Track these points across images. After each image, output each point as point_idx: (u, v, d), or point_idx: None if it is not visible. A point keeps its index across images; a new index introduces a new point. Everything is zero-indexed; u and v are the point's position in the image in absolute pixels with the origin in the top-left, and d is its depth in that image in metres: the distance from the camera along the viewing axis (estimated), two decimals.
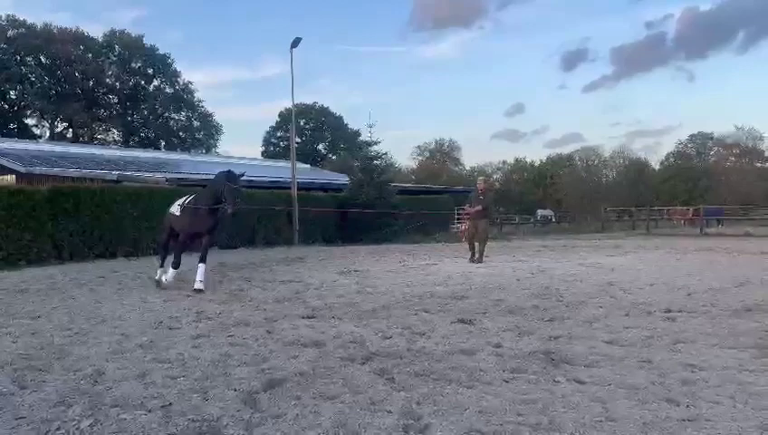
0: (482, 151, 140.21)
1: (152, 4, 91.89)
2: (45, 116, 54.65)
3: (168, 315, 6.89)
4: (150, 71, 58.35)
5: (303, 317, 6.74)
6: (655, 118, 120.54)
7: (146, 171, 22.49)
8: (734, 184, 56.64)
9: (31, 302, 7.98)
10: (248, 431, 3.35)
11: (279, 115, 69.71)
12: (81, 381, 4.27)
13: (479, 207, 13.59)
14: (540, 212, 55.25)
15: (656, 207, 42.42)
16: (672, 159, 69.27)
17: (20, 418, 3.55)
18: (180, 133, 61.26)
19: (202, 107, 61.38)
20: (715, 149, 69.88)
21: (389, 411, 3.63)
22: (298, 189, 21.51)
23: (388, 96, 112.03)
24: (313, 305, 7.55)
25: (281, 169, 29.72)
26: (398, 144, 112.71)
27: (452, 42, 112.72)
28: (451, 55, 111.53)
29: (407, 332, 5.90)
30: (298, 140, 60.13)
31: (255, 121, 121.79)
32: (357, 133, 65.85)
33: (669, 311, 6.94)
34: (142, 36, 57.33)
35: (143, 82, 58.50)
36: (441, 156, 75.68)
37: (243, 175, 8.99)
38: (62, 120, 55.67)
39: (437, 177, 60.72)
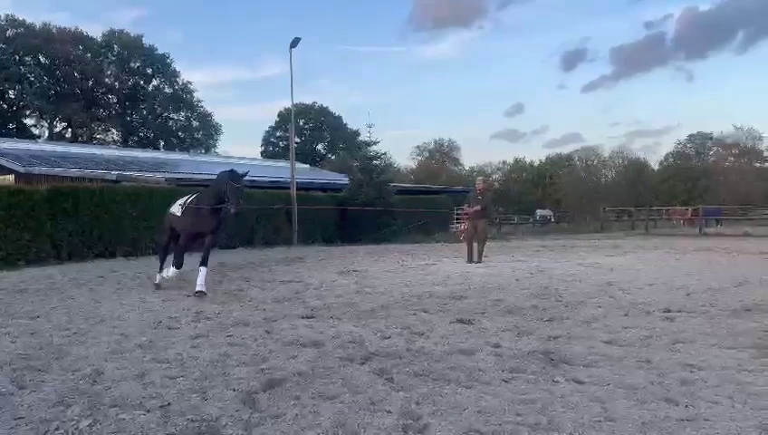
0: (481, 151, 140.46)
1: (152, 4, 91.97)
2: (44, 116, 54.61)
3: (167, 315, 6.89)
4: (149, 71, 58.31)
5: (302, 317, 6.74)
6: (654, 118, 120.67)
7: (145, 171, 22.47)
8: (733, 184, 56.66)
9: (30, 302, 7.98)
10: (247, 431, 3.35)
11: (278, 115, 69.77)
12: (80, 382, 4.27)
13: (478, 208, 13.59)
14: (539, 212, 55.27)
15: (655, 208, 42.45)
16: (671, 160, 69.31)
17: (19, 418, 3.55)
18: (179, 133, 61.23)
19: (201, 107, 61.45)
20: (714, 149, 69.92)
21: (389, 411, 3.63)
22: (297, 189, 21.52)
23: (387, 96, 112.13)
24: (312, 305, 7.56)
25: (280, 169, 29.72)
26: (398, 144, 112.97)
27: (451, 42, 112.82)
28: (451, 55, 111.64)
29: (406, 332, 5.90)
30: (297, 139, 60.15)
31: (255, 121, 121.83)
32: (356, 133, 65.91)
33: (668, 311, 6.94)
34: (141, 36, 57.39)
35: (142, 82, 58.47)
36: (440, 156, 75.67)
37: (246, 174, 8.82)
38: (61, 120, 55.65)
39: (437, 177, 60.71)
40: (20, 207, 13.40)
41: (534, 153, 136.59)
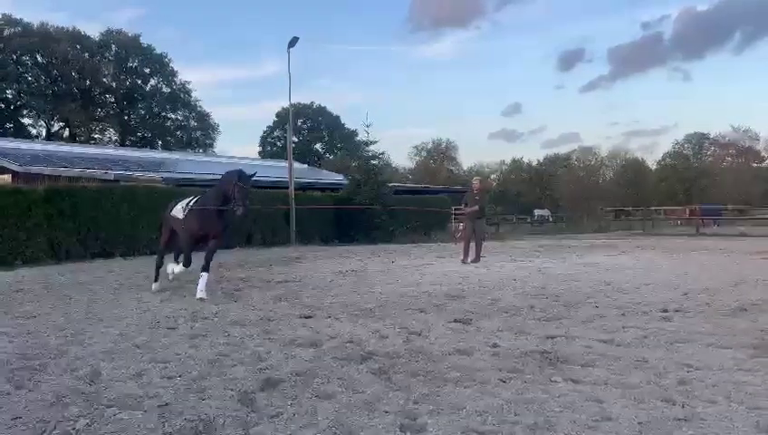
0: (479, 151, 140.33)
1: (150, 4, 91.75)
2: (42, 115, 54.50)
3: (165, 315, 6.88)
4: (147, 70, 58.22)
5: (300, 317, 6.74)
6: (651, 118, 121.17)
7: (143, 171, 22.44)
8: (731, 184, 56.77)
9: (27, 302, 7.97)
10: (245, 431, 3.35)
11: (276, 115, 69.74)
12: (78, 381, 4.26)
13: (476, 208, 13.59)
14: (537, 212, 55.36)
15: (652, 207, 42.53)
16: (669, 160, 69.45)
17: (16, 418, 3.54)
18: (177, 133, 61.18)
19: (199, 106, 61.36)
20: (712, 149, 70.11)
21: (386, 411, 3.64)
22: (295, 189, 21.51)
23: (385, 96, 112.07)
24: (310, 305, 7.56)
25: (278, 169, 29.69)
26: (396, 144, 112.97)
27: (449, 42, 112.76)
28: (448, 55, 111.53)
29: (403, 332, 5.91)
30: (295, 139, 60.03)
31: (252, 121, 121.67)
32: (354, 133, 65.86)
33: (665, 311, 6.95)
34: (139, 36, 57.30)
35: (140, 82, 58.38)
36: (438, 156, 75.68)
37: (254, 175, 8.58)
38: (59, 120, 55.57)
39: (435, 177, 60.72)
40: (17, 206, 13.39)
41: (532, 153, 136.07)
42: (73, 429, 3.38)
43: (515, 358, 4.87)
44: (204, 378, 4.33)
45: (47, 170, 19.56)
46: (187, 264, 8.49)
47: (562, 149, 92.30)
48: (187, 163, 31.02)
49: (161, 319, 6.65)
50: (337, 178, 32.32)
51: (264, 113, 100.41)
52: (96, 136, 57.53)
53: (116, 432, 3.34)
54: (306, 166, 41.66)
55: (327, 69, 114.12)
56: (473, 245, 13.52)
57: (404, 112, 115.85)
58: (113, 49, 56.39)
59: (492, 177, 74.74)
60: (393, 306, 7.44)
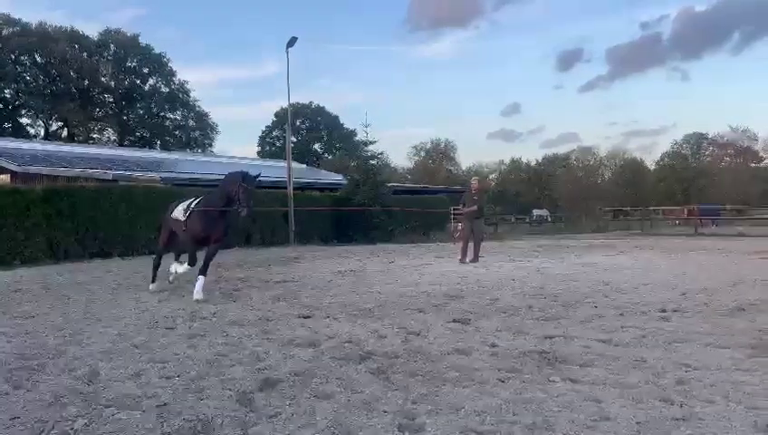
0: (478, 151, 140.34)
1: (148, 4, 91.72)
2: (40, 115, 54.45)
3: (164, 315, 6.88)
4: (146, 70, 58.15)
5: (299, 317, 6.74)
6: (650, 118, 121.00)
7: (141, 171, 22.42)
8: (729, 184, 56.84)
9: (25, 302, 7.97)
10: (243, 431, 3.35)
11: (275, 115, 69.73)
12: (76, 381, 4.26)
13: (474, 208, 13.59)
14: (535, 212, 55.39)
15: (651, 207, 42.57)
16: (667, 160, 69.51)
17: (15, 418, 3.54)
18: (176, 133, 61.12)
19: (198, 106, 61.31)
20: (710, 149, 70.19)
21: (385, 411, 3.64)
22: (294, 189, 21.50)
23: (384, 96, 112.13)
24: (309, 305, 7.56)
25: (276, 169, 29.68)
26: (395, 144, 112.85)
27: (448, 42, 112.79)
28: (447, 55, 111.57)
29: (402, 331, 5.91)
30: (294, 139, 60.09)
31: (251, 121, 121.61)
32: (353, 133, 65.80)
33: (664, 310, 6.96)
34: (138, 35, 57.22)
35: (138, 82, 58.31)
36: (437, 156, 75.71)
37: (258, 176, 8.52)
38: (57, 120, 55.51)
39: (434, 177, 60.73)
40: (15, 206, 13.38)
41: (531, 153, 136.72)
42: (72, 429, 3.37)
43: (514, 358, 4.87)
44: (202, 378, 4.33)
45: (46, 170, 19.55)
46: (192, 263, 8.38)
47: (561, 150, 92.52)
48: (185, 163, 31.01)
49: (160, 319, 6.64)
50: (336, 178, 32.33)
51: (263, 113, 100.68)
52: (94, 136, 57.49)
53: (114, 432, 3.34)
54: (305, 166, 41.66)
55: (326, 69, 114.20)
56: (471, 245, 13.52)
57: (403, 112, 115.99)
58: (112, 49, 56.32)
59: (491, 177, 74.81)
60: (392, 306, 7.44)
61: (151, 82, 59.17)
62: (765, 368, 4.48)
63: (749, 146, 67.59)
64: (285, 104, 25.82)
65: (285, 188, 21.37)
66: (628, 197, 56.33)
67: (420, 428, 3.38)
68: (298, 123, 70.24)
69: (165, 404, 3.75)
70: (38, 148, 27.12)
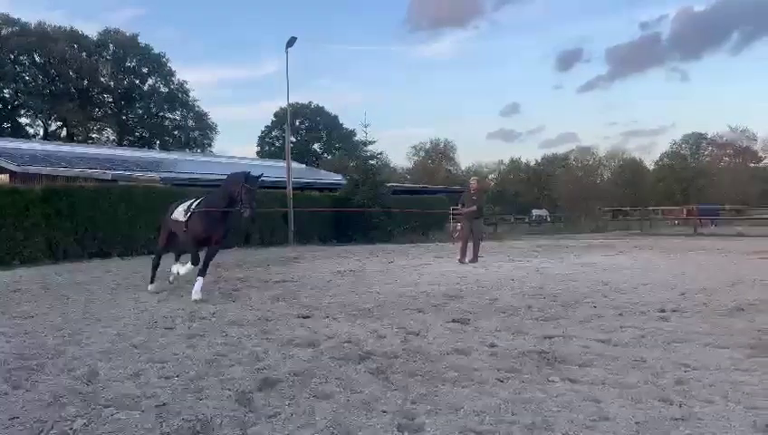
0: (477, 151, 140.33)
1: (147, 4, 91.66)
2: (39, 115, 54.40)
3: (163, 315, 6.88)
4: (145, 70, 58.13)
5: (298, 317, 6.74)
6: (649, 118, 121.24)
7: (140, 171, 22.42)
8: (728, 184, 56.89)
9: (25, 302, 7.96)
10: (242, 431, 3.35)
11: (274, 115, 69.66)
12: (75, 381, 4.26)
13: (473, 208, 13.59)
14: (534, 212, 55.39)
15: (650, 207, 42.59)
16: (666, 160, 69.55)
17: (14, 418, 3.53)
18: (175, 133, 61.10)
19: (197, 106, 61.28)
20: (709, 149, 70.23)
21: (384, 411, 3.64)
22: (293, 189, 21.49)
23: (383, 96, 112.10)
24: (308, 305, 7.56)
25: (276, 169, 29.67)
26: (394, 144, 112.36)
27: (448, 42, 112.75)
28: (447, 55, 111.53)
29: (401, 331, 5.91)
30: (293, 139, 60.07)
31: (251, 121, 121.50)
32: (352, 133, 65.79)
33: (663, 310, 6.96)
34: (137, 35, 57.20)
35: (138, 82, 58.27)
36: (437, 156, 75.71)
37: (261, 176, 8.46)
38: (56, 120, 55.48)
39: (433, 177, 60.74)
40: (14, 206, 13.37)
41: (530, 153, 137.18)
42: (71, 429, 3.37)
43: (513, 358, 4.87)
44: (201, 378, 4.33)
45: (45, 170, 19.55)
46: (194, 262, 8.31)
47: (560, 149, 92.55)
48: (185, 163, 31.01)
49: (159, 319, 6.64)
50: (335, 178, 32.32)
51: (263, 113, 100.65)
52: (94, 136, 57.46)
53: (113, 432, 3.34)
54: (304, 166, 41.65)
55: (326, 69, 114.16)
56: (470, 245, 13.52)
57: (403, 112, 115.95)
58: (111, 48, 56.28)
59: (490, 177, 74.81)
60: (391, 306, 7.44)
61: (150, 82, 59.16)
62: (764, 368, 4.49)
63: (748, 146, 67.69)
64: (285, 104, 25.84)
65: (285, 188, 21.36)
66: (628, 197, 56.36)
67: (419, 428, 3.38)
68: (297, 123, 70.21)
69: (164, 404, 3.75)
70: (37, 148, 27.13)
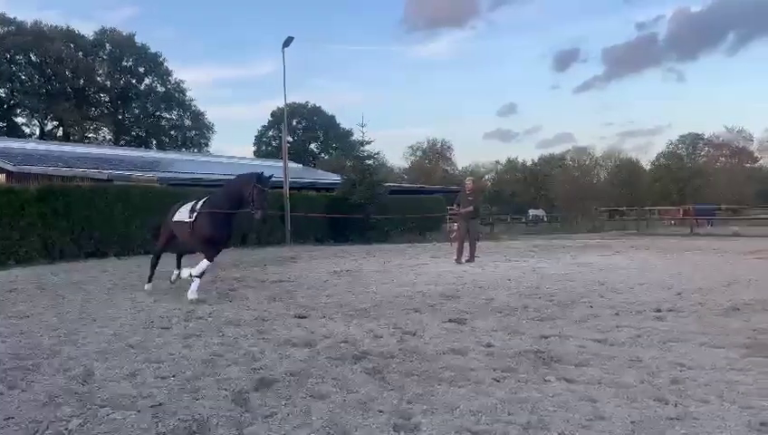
0: (474, 151, 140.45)
1: (144, 3, 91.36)
2: (35, 115, 54.27)
3: (159, 315, 6.87)
4: (142, 69, 58.03)
5: (295, 317, 6.74)
6: (646, 118, 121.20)
7: (137, 170, 22.38)
8: (724, 184, 57.06)
9: (20, 302, 7.94)
10: (239, 431, 3.35)
11: (271, 114, 69.53)
12: (71, 381, 4.25)
13: (470, 208, 13.59)
14: (531, 212, 55.44)
15: (647, 207, 42.67)
16: (663, 160, 69.72)
17: (9, 418, 3.53)
18: (171, 132, 61.02)
19: (194, 106, 61.19)
20: (706, 149, 70.42)
21: (380, 411, 3.64)
22: (290, 189, 21.47)
23: (380, 95, 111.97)
24: (305, 305, 7.55)
25: (273, 169, 29.58)
26: (391, 144, 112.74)
27: (445, 42, 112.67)
28: (444, 55, 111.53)
29: (398, 331, 5.91)
30: (290, 139, 60.02)
31: (247, 120, 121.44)
32: (349, 133, 65.78)
33: (659, 310, 6.98)
34: (133, 34, 57.08)
35: (134, 81, 58.17)
36: (434, 156, 75.75)
37: (272, 177, 8.36)
38: (53, 119, 55.33)
39: (430, 177, 60.77)
40: (10, 206, 13.33)
41: (527, 153, 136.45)
42: (66, 429, 3.37)
43: (509, 358, 4.88)
44: (198, 378, 4.33)
45: (41, 170, 19.49)
46: (210, 259, 8.16)
47: (557, 150, 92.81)
48: (182, 163, 30.96)
49: (155, 319, 6.63)
50: (332, 178, 32.30)
51: (260, 113, 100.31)
52: (90, 135, 57.29)
53: (109, 432, 3.33)
54: (301, 166, 41.60)
55: (323, 69, 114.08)
56: (467, 245, 13.53)
57: (401, 112, 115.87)
58: (107, 48, 56.13)
59: (487, 177, 74.89)
60: (388, 306, 7.45)
61: (147, 81, 59.05)
62: (759, 368, 4.50)
63: (744, 146, 67.94)
64: (282, 104, 25.74)
65: (281, 187, 21.33)
66: (624, 197, 56.54)
67: (416, 427, 3.38)
68: (294, 123, 70.13)
69: (160, 404, 3.75)
70: (34, 147, 27.05)
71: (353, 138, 52.98)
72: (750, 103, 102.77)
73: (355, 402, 3.79)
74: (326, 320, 6.57)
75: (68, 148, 29.33)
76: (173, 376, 4.37)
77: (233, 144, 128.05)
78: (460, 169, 72.59)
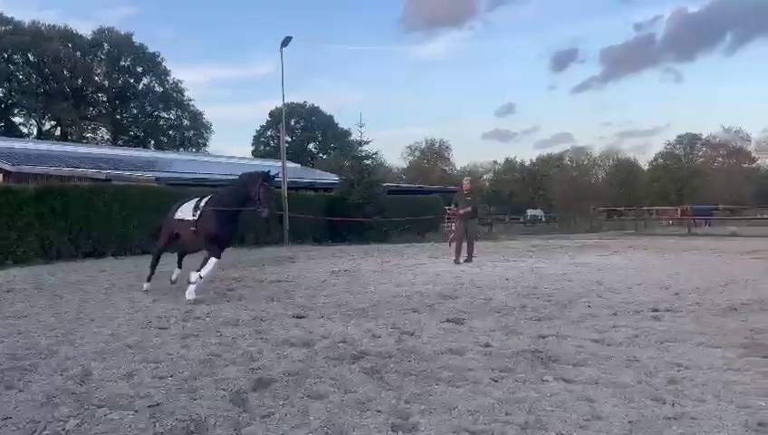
0: (473, 151, 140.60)
1: (143, 3, 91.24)
2: (33, 114, 54.19)
3: (157, 315, 6.86)
4: (140, 69, 57.99)
5: (293, 317, 6.74)
6: (644, 118, 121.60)
7: (135, 170, 22.35)
8: (722, 184, 57.13)
9: (18, 301, 7.92)
10: (236, 431, 3.35)
11: (269, 114, 69.53)
12: (68, 382, 4.24)
13: (468, 209, 13.59)
14: (529, 212, 55.47)
15: (645, 207, 42.73)
16: (661, 160, 69.81)
17: (6, 418, 3.52)
18: (170, 132, 60.98)
19: (192, 106, 61.15)
20: (703, 149, 70.52)
21: (378, 411, 3.64)
22: (288, 189, 21.45)
23: (378, 96, 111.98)
24: (303, 305, 7.55)
25: (271, 169, 29.58)
26: (389, 144, 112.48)
27: (443, 42, 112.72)
28: (442, 55, 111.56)
29: (396, 331, 5.91)
30: (288, 139, 59.96)
31: (246, 120, 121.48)
32: (347, 133, 65.77)
33: (656, 310, 6.99)
34: (131, 34, 57.04)
35: (132, 81, 58.13)
36: (432, 156, 75.75)
37: (276, 176, 8.27)
38: (50, 119, 55.27)
39: (428, 177, 60.77)
40: (8, 205, 13.31)
41: (525, 153, 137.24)
42: (63, 429, 3.36)
43: (507, 358, 4.88)
44: (195, 378, 4.32)
45: (39, 169, 19.45)
46: (217, 256, 8.08)
47: (555, 150, 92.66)
48: (180, 163, 30.94)
49: (153, 319, 6.62)
50: (330, 178, 32.29)
51: (258, 113, 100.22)
52: (88, 135, 57.22)
53: (106, 433, 3.33)
54: (299, 166, 41.57)
55: (321, 69, 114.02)
56: (465, 245, 13.53)
57: (399, 112, 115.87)
58: (105, 48, 56.09)
59: (485, 177, 74.91)
60: (386, 306, 7.45)
61: (145, 81, 59.03)
62: (757, 367, 4.51)
63: (741, 146, 68.00)
64: (280, 104, 25.73)
65: (279, 187, 21.30)
66: (622, 197, 56.58)
67: (413, 427, 3.38)
68: (293, 123, 70.10)
69: (158, 404, 3.75)
70: (32, 147, 27.02)
71: (351, 138, 52.99)
72: (747, 103, 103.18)
73: (353, 402, 3.79)
74: (324, 320, 6.56)
75: (66, 147, 29.31)
76: (171, 376, 4.37)
77: (231, 144, 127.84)
78: (458, 169, 72.65)
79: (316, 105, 73.40)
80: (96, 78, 55.99)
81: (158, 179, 19.52)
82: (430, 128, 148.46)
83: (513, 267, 12.20)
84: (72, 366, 4.63)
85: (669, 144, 71.28)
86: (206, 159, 37.43)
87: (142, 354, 5.01)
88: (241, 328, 6.11)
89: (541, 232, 33.22)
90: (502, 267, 12.25)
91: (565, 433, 3.29)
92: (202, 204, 8.30)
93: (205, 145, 62.13)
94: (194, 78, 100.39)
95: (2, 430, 3.37)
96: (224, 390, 4.04)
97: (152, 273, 8.93)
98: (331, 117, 73.60)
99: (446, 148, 76.71)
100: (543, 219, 50.53)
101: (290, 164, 29.60)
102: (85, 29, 64.42)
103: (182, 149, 55.37)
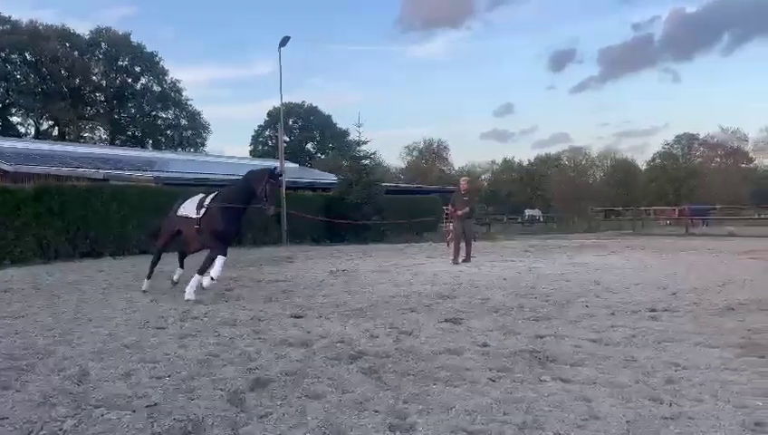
0: (471, 151, 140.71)
1: (141, 3, 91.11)
2: (30, 114, 54.10)
3: (155, 315, 6.84)
4: (138, 69, 57.92)
5: (291, 317, 6.73)
6: (641, 119, 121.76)
7: (133, 170, 22.33)
8: (719, 184, 57.21)
9: (15, 301, 7.91)
10: (234, 431, 3.34)
11: (268, 114, 69.54)
12: (66, 382, 4.23)
13: (466, 209, 13.59)
14: (527, 212, 55.53)
15: (642, 208, 42.78)
16: (658, 160, 69.90)
17: (3, 418, 3.51)
18: (168, 132, 60.92)
19: (190, 105, 61.10)
20: (701, 149, 70.63)
21: (376, 411, 3.64)
22: (286, 189, 21.43)
23: (376, 95, 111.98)
24: (301, 305, 7.55)
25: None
26: (387, 144, 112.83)
27: (441, 42, 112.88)
28: (441, 55, 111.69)
29: (394, 331, 5.91)
30: (286, 139, 59.91)
31: (244, 120, 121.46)
32: (346, 133, 65.78)
33: (654, 310, 7.00)
34: (129, 34, 56.98)
35: (130, 80, 58.07)
36: (430, 156, 75.78)
37: (281, 174, 8.38)
38: (48, 118, 55.17)
39: (426, 177, 60.79)
40: (5, 205, 13.28)
41: (523, 153, 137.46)
42: (61, 429, 3.36)
43: (505, 357, 4.89)
44: (193, 378, 4.32)
45: (37, 169, 19.42)
46: (223, 254, 8.00)
47: (553, 150, 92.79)
48: (178, 162, 30.91)
49: (150, 319, 6.61)
50: (329, 178, 32.29)
51: (256, 112, 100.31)
52: (85, 135, 57.19)
53: (104, 433, 3.32)
54: (297, 165, 41.57)
55: (319, 68, 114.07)
56: (463, 245, 13.53)
57: (398, 112, 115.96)
58: (103, 47, 56.01)
59: (483, 177, 74.96)
60: (384, 306, 7.45)
61: (143, 80, 58.97)
62: (754, 367, 4.52)
63: (739, 147, 68.13)
64: (278, 103, 25.72)
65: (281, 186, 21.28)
66: (620, 197, 56.64)
67: (411, 427, 3.38)
68: (291, 123, 70.12)
69: (155, 404, 3.74)
70: (29, 147, 26.98)
71: (350, 138, 53.05)
72: (745, 104, 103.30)
73: (351, 402, 3.79)
74: (322, 320, 6.56)
75: (64, 147, 29.26)
76: (168, 376, 4.36)
77: (229, 144, 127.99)
78: (456, 169, 72.71)
79: (314, 105, 73.52)
80: (94, 77, 55.92)
81: (156, 179, 19.49)
82: (428, 128, 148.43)
83: (510, 267, 12.21)
84: (69, 366, 4.62)
85: (667, 144, 71.52)
86: (205, 158, 37.43)
87: (140, 354, 5.00)
88: (239, 328, 6.11)
89: (538, 232, 33.26)
90: (500, 267, 12.25)
91: (563, 433, 3.30)
92: (206, 201, 8.22)
93: (203, 145, 62.22)
94: (193, 78, 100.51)
95: None
96: (221, 390, 4.03)
97: (151, 272, 8.88)
98: (329, 117, 73.68)
99: (445, 148, 76.90)
100: (541, 219, 50.59)
101: (288, 164, 29.61)
102: (83, 29, 64.36)
103: (180, 149, 55.31)
